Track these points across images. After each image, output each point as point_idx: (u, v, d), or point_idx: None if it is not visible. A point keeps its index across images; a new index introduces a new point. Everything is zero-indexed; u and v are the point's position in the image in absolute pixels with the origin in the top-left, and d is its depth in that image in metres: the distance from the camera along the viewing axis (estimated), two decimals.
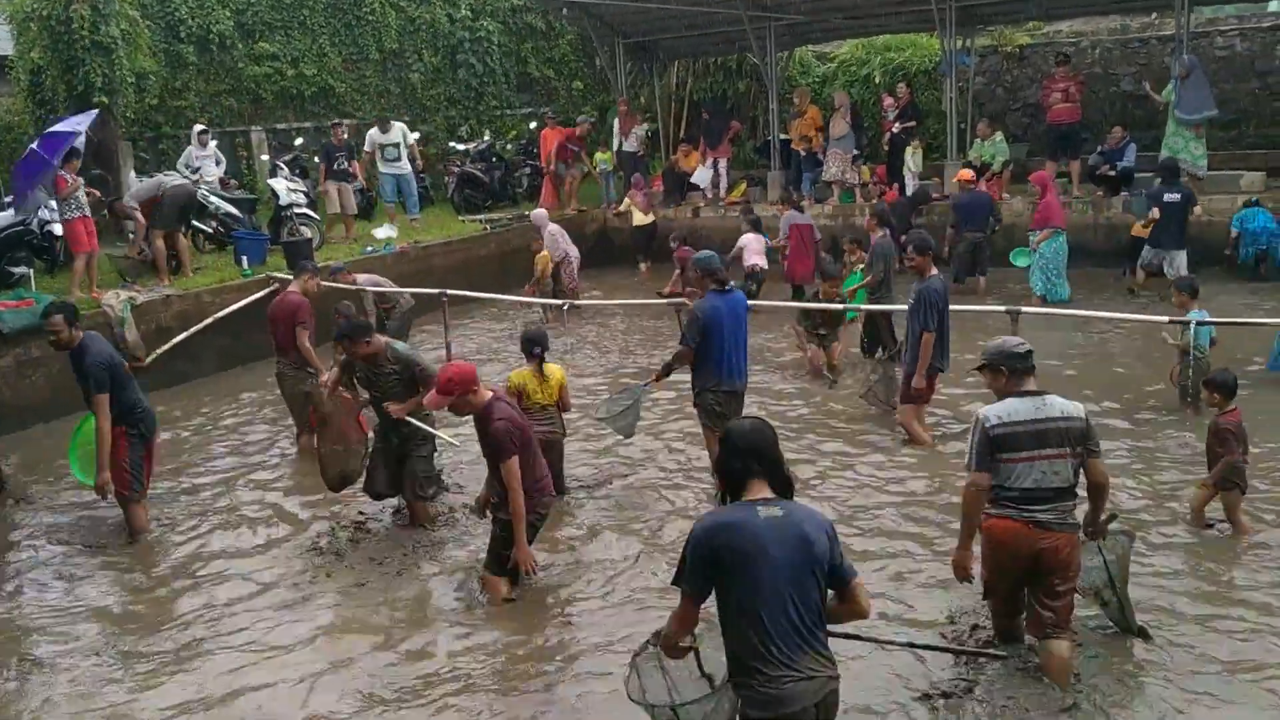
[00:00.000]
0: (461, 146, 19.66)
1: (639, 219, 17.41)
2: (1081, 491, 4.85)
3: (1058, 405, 4.74)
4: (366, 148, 16.36)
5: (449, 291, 12.14)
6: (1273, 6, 19.85)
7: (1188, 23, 15.24)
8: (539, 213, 15.57)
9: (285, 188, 14.94)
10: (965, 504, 4.83)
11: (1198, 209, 12.86)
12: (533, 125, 20.00)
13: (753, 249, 13.78)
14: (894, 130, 16.78)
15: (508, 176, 19.57)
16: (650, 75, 20.77)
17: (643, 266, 17.41)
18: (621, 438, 8.30)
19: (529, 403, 7.24)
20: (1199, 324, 8.46)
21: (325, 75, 19.56)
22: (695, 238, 15.35)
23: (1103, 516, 5.03)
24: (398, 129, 16.22)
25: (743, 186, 18.47)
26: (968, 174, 14.35)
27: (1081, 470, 4.76)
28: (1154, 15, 18.45)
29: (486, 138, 20.05)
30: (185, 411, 10.61)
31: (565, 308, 12.81)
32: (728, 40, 18.97)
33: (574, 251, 14.95)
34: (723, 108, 19.80)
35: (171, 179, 14.65)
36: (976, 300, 12.30)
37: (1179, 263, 12.50)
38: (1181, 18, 14.92)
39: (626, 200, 17.66)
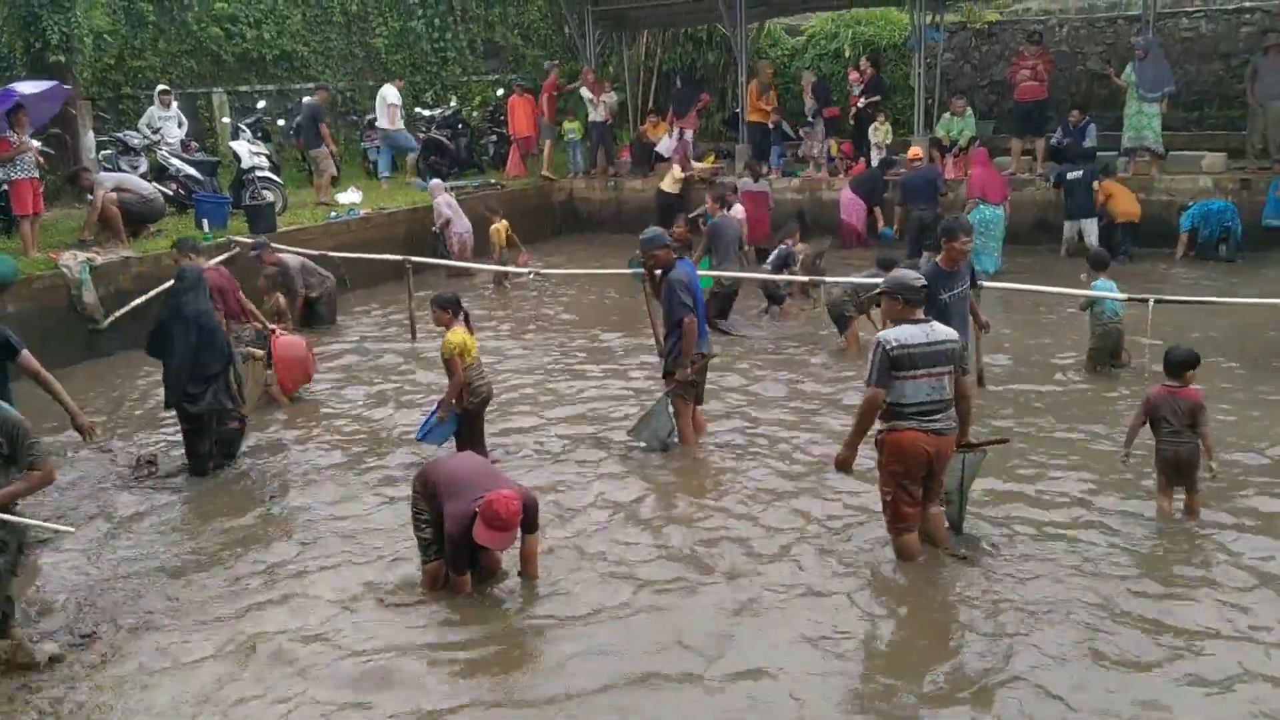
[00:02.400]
0: (427, 113, 19.45)
1: (669, 184, 16.86)
2: None
3: (941, 330, 5.58)
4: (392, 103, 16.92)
5: (412, 259, 12.04)
6: None
7: (1154, 3, 15.34)
8: (435, 182, 15.56)
9: (247, 150, 14.72)
10: (862, 413, 5.62)
11: (1095, 185, 13.64)
12: (500, 92, 19.81)
13: None
14: (859, 105, 16.78)
15: (473, 144, 19.41)
16: (619, 44, 20.62)
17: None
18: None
19: (470, 359, 7.32)
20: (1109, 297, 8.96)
21: (287, 38, 19.24)
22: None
23: (989, 440, 6.30)
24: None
25: (711, 158, 18.41)
26: (917, 152, 14.47)
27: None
28: None
29: (452, 104, 19.84)
30: (137, 376, 10.44)
31: (530, 275, 12.75)
32: (698, 10, 18.84)
33: (463, 224, 14.84)
34: (692, 79, 19.70)
35: (132, 139, 14.46)
36: None
37: (1090, 231, 13.51)
38: None
39: (676, 165, 17.10)
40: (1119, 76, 14.67)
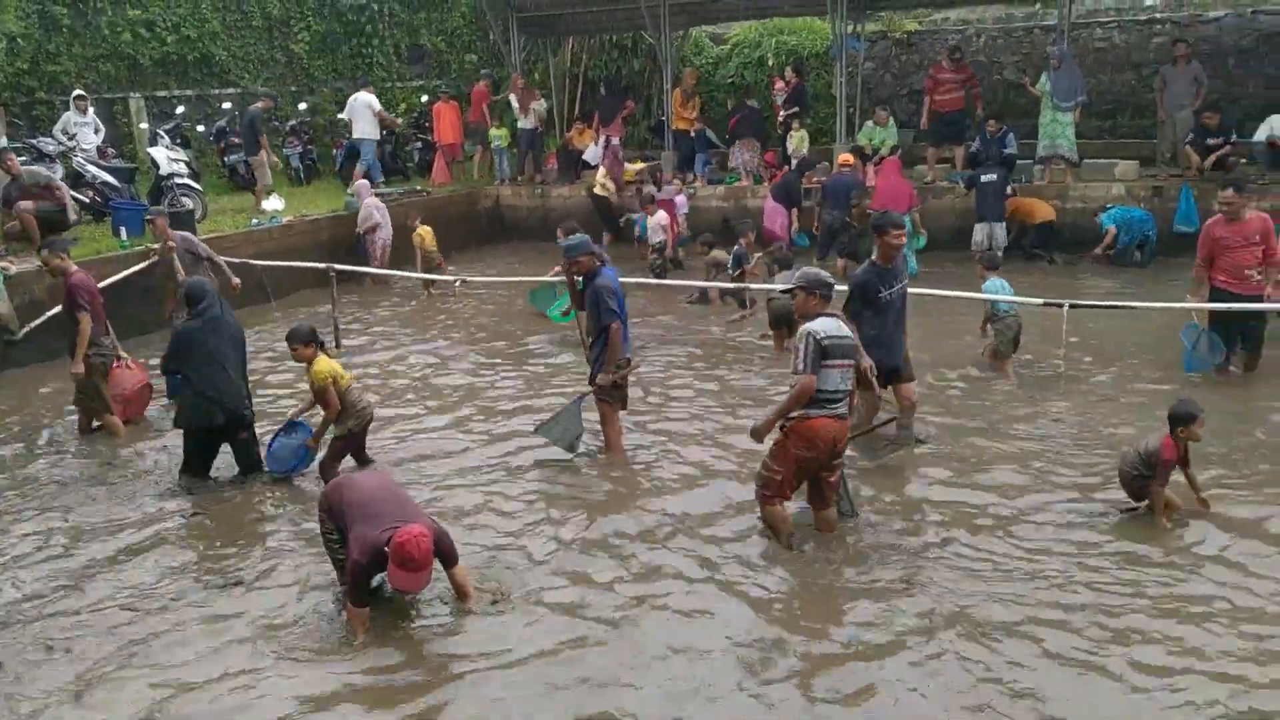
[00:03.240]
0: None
1: (610, 190, 16.81)
2: None
3: (846, 326, 6.06)
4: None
5: (336, 266, 11.89)
6: (1149, 1, 20.71)
7: (1069, 14, 15.76)
8: (362, 183, 15.43)
9: (166, 157, 14.38)
10: (794, 399, 5.88)
11: (1010, 187, 14.18)
12: (424, 99, 19.64)
13: (654, 227, 13.93)
14: (782, 115, 16.97)
15: (398, 150, 19.23)
16: (545, 51, 20.59)
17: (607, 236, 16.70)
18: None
19: (344, 383, 7.24)
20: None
21: (206, 41, 18.85)
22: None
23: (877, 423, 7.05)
24: None
25: (638, 165, 18.45)
26: (848, 158, 14.66)
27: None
28: (1037, 5, 19.05)
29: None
30: (56, 388, 10.12)
31: (456, 284, 12.65)
32: (623, 18, 18.90)
33: (389, 230, 14.72)
34: (617, 86, 19.76)
35: (47, 145, 14.04)
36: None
37: (998, 234, 13.80)
38: (1063, 9, 15.43)
39: (601, 170, 17.06)
40: (1034, 86, 15.06)
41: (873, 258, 7.39)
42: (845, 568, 5.88)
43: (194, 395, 7.34)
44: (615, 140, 18.32)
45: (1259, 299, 8.59)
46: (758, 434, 6.15)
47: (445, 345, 11.43)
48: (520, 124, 18.31)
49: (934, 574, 5.75)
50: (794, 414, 5.92)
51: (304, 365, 7.27)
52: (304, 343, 7.15)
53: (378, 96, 17.79)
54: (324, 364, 7.15)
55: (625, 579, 5.88)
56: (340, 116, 19.30)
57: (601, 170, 16.94)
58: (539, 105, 18.32)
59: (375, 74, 20.49)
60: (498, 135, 18.65)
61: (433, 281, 13.69)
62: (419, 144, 19.37)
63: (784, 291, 8.05)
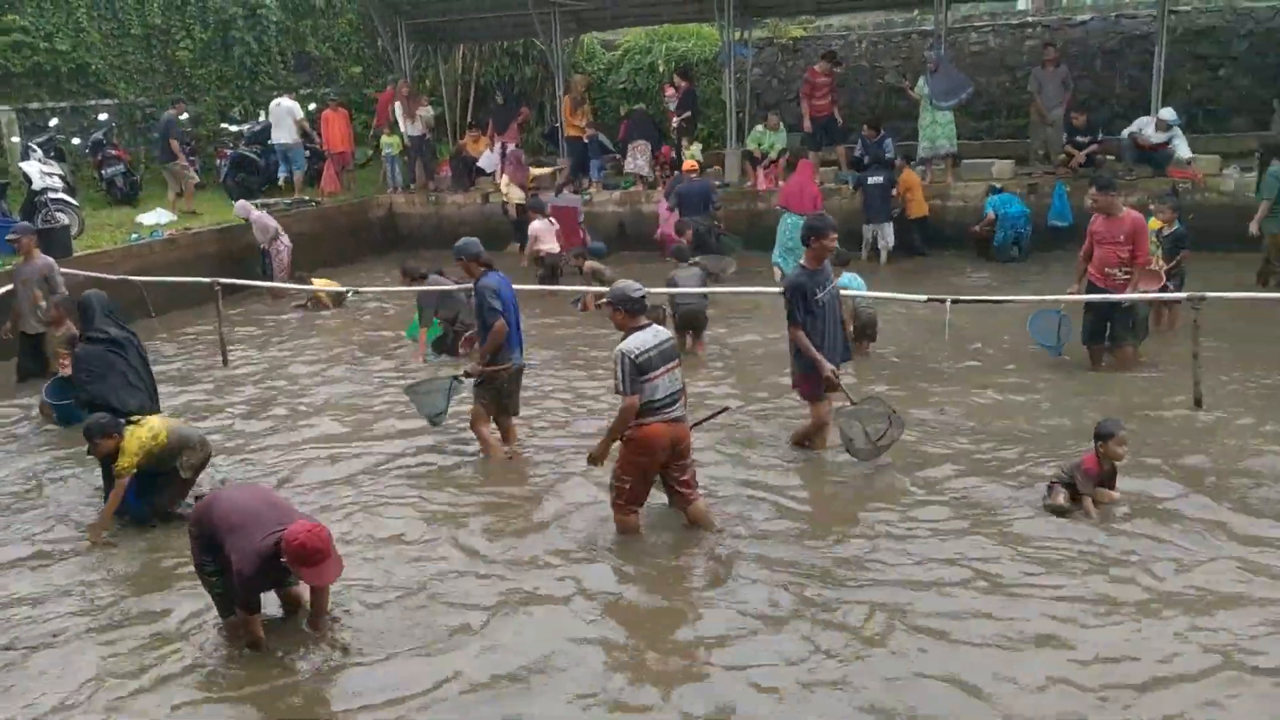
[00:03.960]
0: (234, 128, 18.80)
1: (517, 197, 16.50)
2: None
3: (662, 332, 6.25)
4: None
5: (222, 280, 11.62)
6: (1021, 5, 21.51)
7: (945, 19, 16.27)
8: (241, 204, 15.22)
9: (39, 171, 13.90)
10: (620, 422, 6.08)
11: (895, 191, 14.49)
12: (312, 107, 19.31)
13: (543, 236, 13.90)
14: (676, 120, 17.15)
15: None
16: (435, 58, 20.45)
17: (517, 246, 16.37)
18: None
19: (161, 441, 6.68)
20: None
21: (82, 51, 18.23)
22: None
23: (710, 414, 7.30)
24: None
25: (543, 170, 18.38)
26: (692, 164, 14.85)
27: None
28: (916, 11, 19.61)
29: (262, 119, 19.19)
30: None
31: (349, 294, 12.49)
32: (513, 24, 18.88)
33: (287, 240, 14.63)
34: (511, 93, 19.73)
35: None
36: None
37: (887, 234, 14.34)
38: (939, 14, 15.93)
39: (505, 177, 16.95)
40: (914, 90, 15.52)
41: (801, 261, 7.45)
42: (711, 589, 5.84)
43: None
44: (512, 146, 18.33)
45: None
46: (595, 459, 6.37)
47: (330, 357, 11.25)
48: (408, 131, 18.13)
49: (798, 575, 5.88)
50: (630, 425, 6.08)
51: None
52: (104, 436, 6.57)
53: (263, 106, 17.47)
54: (131, 446, 6.58)
55: (487, 595, 5.82)
56: (225, 126, 18.92)
57: (504, 178, 16.90)
58: (425, 112, 18.17)
59: (262, 82, 20.10)
60: (389, 143, 18.45)
61: (319, 293, 13.50)
62: (307, 152, 19.01)
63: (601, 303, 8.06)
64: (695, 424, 6.67)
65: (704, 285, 10.79)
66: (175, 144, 15.93)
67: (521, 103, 19.34)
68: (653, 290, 10.55)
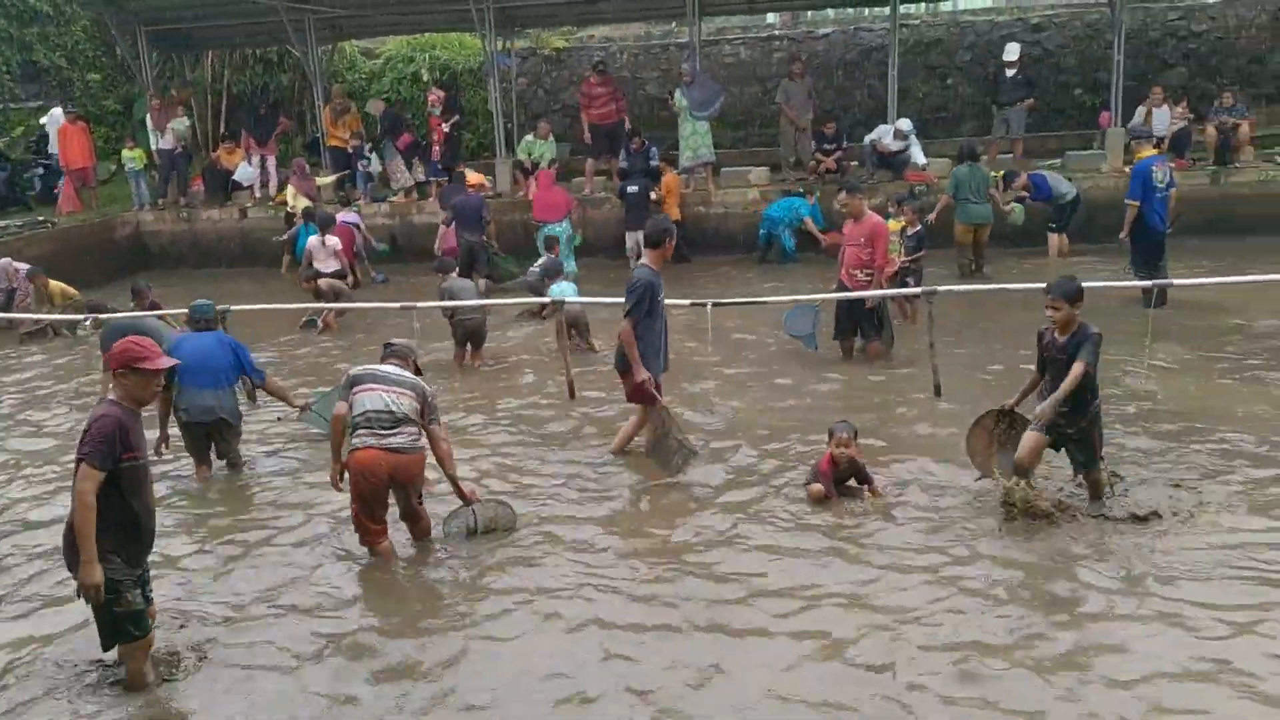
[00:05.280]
0: None
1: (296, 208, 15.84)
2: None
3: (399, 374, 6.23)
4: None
5: None
6: (770, 19, 22.58)
7: (699, 32, 16.88)
8: None
9: None
10: (332, 434, 6.21)
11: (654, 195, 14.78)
12: (44, 120, 17.90)
13: (319, 254, 13.51)
14: (444, 129, 16.98)
15: (15, 178, 17.39)
16: (181, 66, 19.38)
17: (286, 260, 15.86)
18: None
19: None
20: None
21: None
22: None
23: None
24: None
25: (329, 178, 17.70)
26: (474, 178, 14.89)
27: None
28: (674, 24, 20.25)
29: None
30: None
31: (88, 322, 11.59)
32: (265, 31, 18.15)
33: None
34: (267, 102, 18.96)
35: None
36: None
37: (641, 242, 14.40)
38: (693, 28, 16.50)
39: (290, 189, 16.22)
40: (673, 101, 16.02)
41: (644, 261, 7.41)
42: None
43: None
44: (271, 160, 17.68)
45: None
46: (334, 482, 6.23)
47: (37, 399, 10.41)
48: (157, 144, 17.11)
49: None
50: (347, 449, 6.03)
51: None
52: None
53: None
54: None
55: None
56: None
57: (290, 189, 16.27)
58: (178, 124, 17.20)
59: None
60: (131, 158, 17.31)
61: (54, 323, 12.55)
62: (40, 169, 17.61)
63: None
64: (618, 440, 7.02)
65: (480, 297, 10.76)
66: None
67: (278, 112, 18.62)
68: (428, 304, 10.66)
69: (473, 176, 14.94)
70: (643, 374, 7.15)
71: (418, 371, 6.44)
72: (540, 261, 12.69)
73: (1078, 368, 5.91)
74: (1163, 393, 8.33)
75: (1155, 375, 8.71)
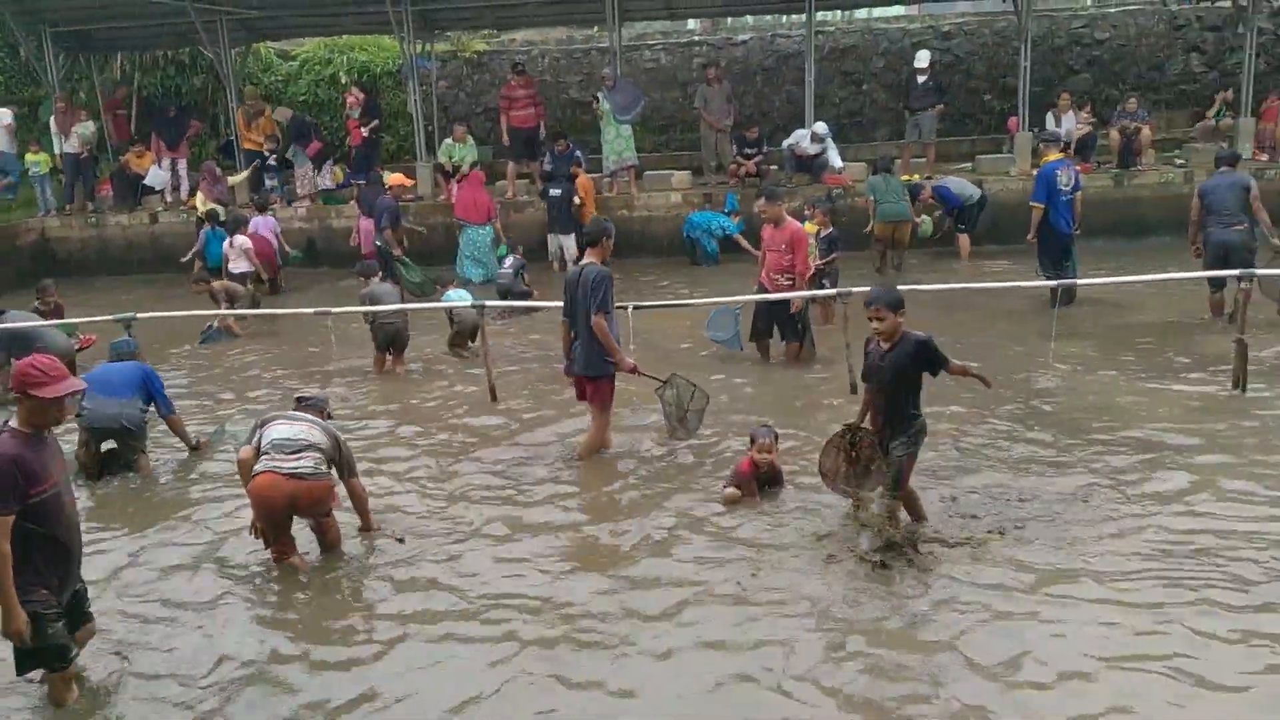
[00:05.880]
0: None
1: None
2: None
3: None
4: None
5: None
6: (691, 25, 22.78)
7: (619, 37, 16.94)
8: None
9: None
10: (240, 472, 6.10)
11: (576, 199, 14.80)
12: None
13: (230, 255, 13.32)
14: (363, 132, 16.77)
15: None
16: (89, 68, 18.85)
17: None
18: None
19: None
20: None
21: None
22: None
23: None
24: None
25: (240, 175, 17.34)
26: (395, 179, 14.78)
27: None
28: (595, 29, 20.29)
29: None
30: None
31: None
32: (176, 32, 17.73)
33: None
34: (177, 104, 18.52)
35: None
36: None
37: (568, 246, 14.60)
38: (613, 33, 16.57)
39: (200, 195, 15.92)
40: (597, 105, 16.07)
41: (589, 260, 7.37)
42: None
43: None
44: (182, 164, 17.31)
45: (787, 301, 9.60)
46: (252, 529, 6.12)
47: None
48: (62, 148, 16.62)
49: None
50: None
51: None
52: None
53: None
54: None
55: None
56: None
57: (200, 195, 15.92)
58: (83, 128, 16.74)
59: None
60: (35, 161, 16.79)
61: None
62: None
63: None
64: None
65: (401, 301, 10.67)
66: None
67: (190, 115, 18.21)
68: (351, 310, 10.55)
69: (393, 178, 14.80)
70: (629, 362, 7.29)
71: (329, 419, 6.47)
72: (509, 262, 12.83)
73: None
74: (1064, 393, 8.54)
75: (1060, 374, 8.98)
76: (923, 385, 5.97)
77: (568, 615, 5.37)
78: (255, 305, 13.07)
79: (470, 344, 10.71)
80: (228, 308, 12.33)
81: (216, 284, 12.60)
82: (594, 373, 7.34)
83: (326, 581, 5.97)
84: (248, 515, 6.34)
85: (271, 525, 5.95)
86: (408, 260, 13.55)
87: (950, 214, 14.24)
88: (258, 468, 5.87)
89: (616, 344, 7.31)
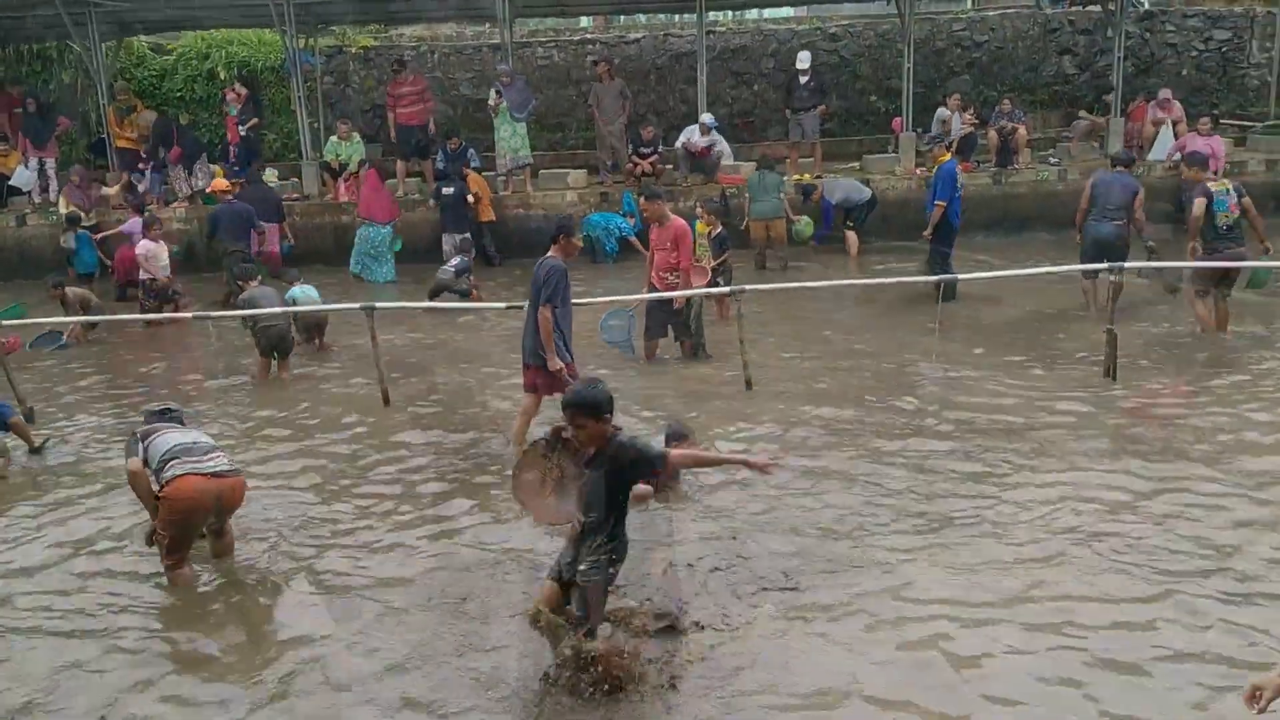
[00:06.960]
0: None
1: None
2: None
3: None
4: None
5: None
6: (584, 23, 22.71)
7: (510, 34, 16.76)
8: None
9: None
10: (139, 492, 5.86)
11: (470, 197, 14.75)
12: None
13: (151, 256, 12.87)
14: (241, 131, 16.27)
15: None
16: None
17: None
18: None
19: None
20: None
21: None
22: None
23: None
24: None
25: (108, 190, 16.61)
26: (221, 184, 14.40)
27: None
28: (486, 25, 20.04)
29: None
30: None
31: None
32: (40, 25, 16.86)
33: None
34: (37, 100, 17.60)
35: None
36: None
37: (458, 241, 14.58)
38: (504, 30, 16.37)
39: (63, 201, 15.23)
40: (494, 103, 15.85)
41: (551, 254, 7.35)
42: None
43: None
44: (50, 163, 16.53)
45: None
46: (150, 538, 5.88)
47: None
48: None
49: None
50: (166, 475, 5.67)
51: None
52: None
53: None
54: None
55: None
56: None
57: (63, 200, 15.27)
58: None
59: None
60: None
61: None
62: None
63: None
64: None
65: (282, 304, 10.35)
66: None
67: (59, 112, 17.37)
68: (222, 314, 10.25)
69: (219, 182, 14.42)
70: (557, 363, 7.25)
71: None
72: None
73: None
74: (950, 392, 8.73)
75: (941, 369, 9.22)
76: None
77: None
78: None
79: (317, 340, 10.95)
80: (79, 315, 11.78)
81: (70, 291, 12.03)
82: (540, 361, 7.39)
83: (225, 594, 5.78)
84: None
85: (185, 532, 5.76)
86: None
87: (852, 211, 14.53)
88: (175, 471, 5.64)
89: (556, 340, 7.30)
